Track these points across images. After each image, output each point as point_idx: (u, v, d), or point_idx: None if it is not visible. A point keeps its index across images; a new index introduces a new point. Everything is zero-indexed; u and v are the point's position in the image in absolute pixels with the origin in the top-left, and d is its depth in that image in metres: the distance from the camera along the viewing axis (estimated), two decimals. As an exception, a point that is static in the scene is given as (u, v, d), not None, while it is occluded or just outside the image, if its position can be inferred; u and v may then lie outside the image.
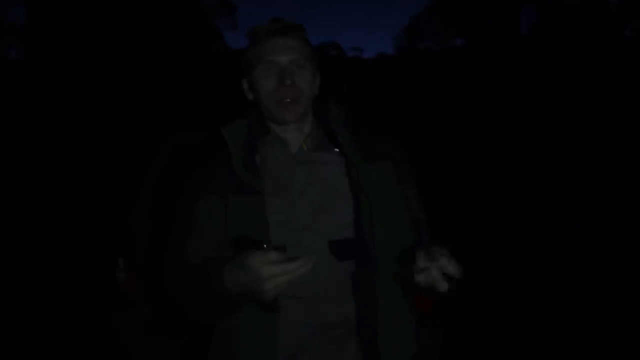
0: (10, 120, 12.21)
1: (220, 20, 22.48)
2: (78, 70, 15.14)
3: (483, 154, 10.85)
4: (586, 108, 12.58)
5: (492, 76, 16.41)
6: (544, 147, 10.92)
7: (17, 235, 5.77)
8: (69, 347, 3.16)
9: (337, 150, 1.16)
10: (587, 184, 8.06)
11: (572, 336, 3.26)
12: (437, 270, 0.93)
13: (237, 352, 1.07)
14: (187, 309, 1.13)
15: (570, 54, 15.59)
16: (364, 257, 1.09)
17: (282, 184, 1.12)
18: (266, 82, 1.12)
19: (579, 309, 3.66)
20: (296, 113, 1.12)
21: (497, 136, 12.14)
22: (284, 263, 0.88)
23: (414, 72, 19.93)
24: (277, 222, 1.08)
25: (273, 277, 0.87)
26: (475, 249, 4.82)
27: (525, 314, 3.61)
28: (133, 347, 2.40)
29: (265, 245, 0.93)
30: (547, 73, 15.18)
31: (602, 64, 14.49)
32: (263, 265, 0.88)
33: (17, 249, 5.26)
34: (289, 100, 1.11)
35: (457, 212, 5.58)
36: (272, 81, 1.11)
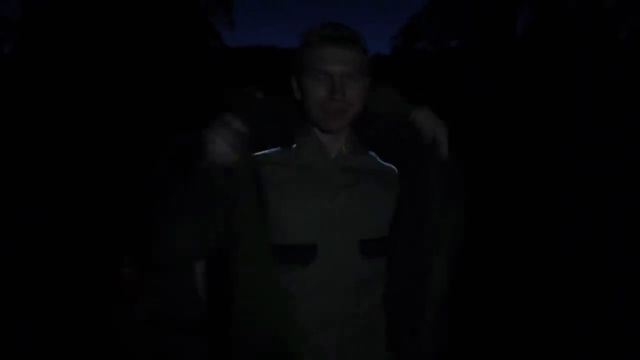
0: (5, 115, 12.12)
1: (217, 18, 22.38)
2: (74, 66, 15.07)
3: (480, 153, 10.86)
4: (583, 108, 12.63)
5: (488, 76, 16.45)
6: (540, 146, 10.95)
7: (20, 230, 5.73)
8: (71, 343, 3.14)
9: (372, 153, 1.19)
10: (584, 182, 8.10)
11: (570, 333, 3.27)
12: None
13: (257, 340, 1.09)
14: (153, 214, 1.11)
15: (567, 55, 15.65)
16: (391, 257, 1.14)
17: (319, 184, 1.13)
18: (316, 91, 1.10)
19: (578, 306, 3.68)
20: (341, 124, 1.13)
21: (494, 136, 12.17)
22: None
23: (411, 73, 19.94)
24: (308, 221, 1.09)
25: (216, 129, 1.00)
26: (473, 247, 4.83)
27: (524, 310, 3.63)
28: (135, 345, 2.39)
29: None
30: (544, 73, 15.23)
31: (598, 65, 14.56)
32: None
33: (21, 244, 5.23)
34: (337, 112, 1.10)
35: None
36: (322, 92, 1.09)
